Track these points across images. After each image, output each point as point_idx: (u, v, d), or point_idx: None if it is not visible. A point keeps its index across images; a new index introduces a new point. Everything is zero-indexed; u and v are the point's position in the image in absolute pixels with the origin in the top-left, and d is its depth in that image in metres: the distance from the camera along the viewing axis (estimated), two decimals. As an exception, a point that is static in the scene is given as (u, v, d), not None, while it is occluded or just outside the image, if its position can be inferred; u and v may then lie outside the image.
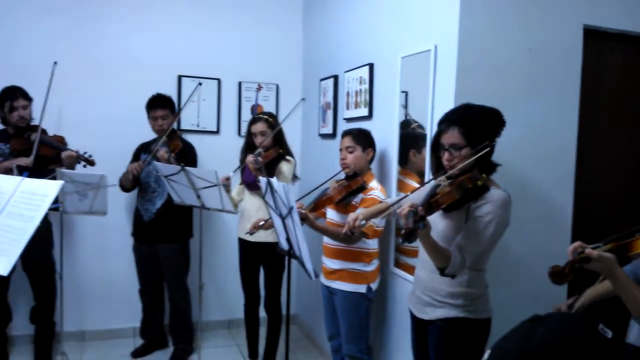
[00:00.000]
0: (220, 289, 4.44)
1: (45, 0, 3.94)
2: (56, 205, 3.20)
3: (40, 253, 3.55)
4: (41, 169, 3.32)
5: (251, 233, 3.02)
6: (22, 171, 3.19)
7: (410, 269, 2.74)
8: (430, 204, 1.95)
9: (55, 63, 3.36)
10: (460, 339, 2.14)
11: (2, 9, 3.86)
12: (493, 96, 2.32)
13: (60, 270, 3.41)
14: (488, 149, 1.95)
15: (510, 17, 2.52)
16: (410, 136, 2.89)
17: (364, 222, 2.29)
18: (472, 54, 2.45)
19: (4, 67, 3.81)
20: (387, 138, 3.04)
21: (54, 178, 2.97)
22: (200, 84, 3.93)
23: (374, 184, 2.85)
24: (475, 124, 2.01)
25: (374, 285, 2.88)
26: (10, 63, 3.84)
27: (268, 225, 2.91)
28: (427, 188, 2.06)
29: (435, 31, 2.61)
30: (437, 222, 2.11)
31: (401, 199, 2.25)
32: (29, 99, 3.52)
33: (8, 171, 3.20)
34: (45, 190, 2.01)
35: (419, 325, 2.29)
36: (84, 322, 4.16)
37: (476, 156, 1.95)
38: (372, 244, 2.87)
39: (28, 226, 1.95)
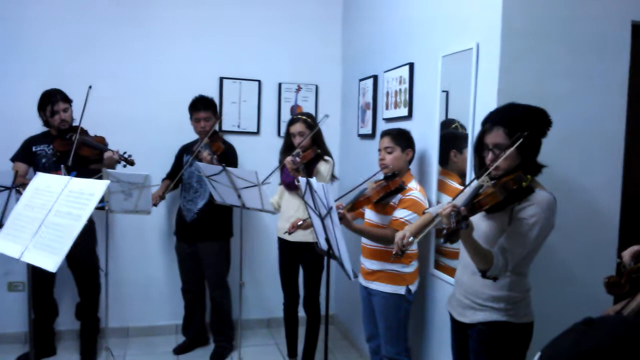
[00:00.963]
0: (260, 288, 4.49)
1: (89, 2, 4.07)
2: (102, 204, 3.30)
3: (84, 250, 3.65)
4: (85, 169, 3.42)
5: (289, 232, 3.04)
6: (70, 171, 3.29)
7: (450, 271, 2.71)
8: (473, 204, 1.91)
9: (90, 87, 3.44)
10: (501, 343, 2.10)
11: (44, 10, 3.99)
12: (537, 95, 2.27)
13: (106, 268, 3.51)
14: (521, 139, 1.90)
15: (555, 13, 2.45)
16: (451, 136, 2.85)
17: (411, 238, 2.25)
18: (516, 51, 2.40)
19: (44, 68, 3.94)
20: (427, 138, 3.01)
21: (100, 178, 3.06)
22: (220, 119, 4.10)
23: (413, 184, 2.82)
24: (520, 123, 1.97)
25: (413, 287, 2.85)
26: (52, 63, 3.97)
27: (307, 225, 2.93)
28: (469, 189, 2.03)
29: (477, 29, 2.57)
30: (480, 223, 2.08)
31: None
32: (68, 101, 3.61)
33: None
34: (92, 189, 2.07)
35: (459, 329, 2.26)
36: (128, 318, 4.27)
37: (513, 147, 1.92)
38: (411, 245, 2.84)
39: (76, 224, 2.02)
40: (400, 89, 3.36)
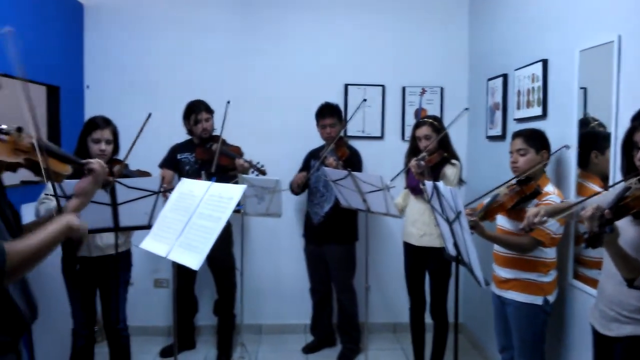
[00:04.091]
0: (386, 292, 4.49)
1: (224, 20, 4.36)
2: (239, 207, 3.50)
3: (223, 251, 3.85)
4: (224, 175, 3.65)
5: None
6: (210, 177, 3.53)
7: (591, 282, 2.52)
8: (620, 207, 1.77)
9: (229, 102, 3.65)
10: (652, 361, 1.91)
11: (187, 28, 4.35)
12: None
13: (241, 267, 3.71)
14: None
15: None
16: (591, 136, 2.65)
17: (545, 218, 2.09)
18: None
19: (190, 81, 4.27)
20: (564, 138, 2.82)
21: (237, 183, 3.25)
22: (365, 100, 4.04)
23: (549, 188, 2.66)
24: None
25: (551, 298, 2.67)
26: (195, 78, 4.30)
27: None
28: (615, 191, 1.87)
29: (618, 20, 2.37)
30: (626, 229, 1.91)
31: (585, 199, 2.02)
32: (211, 111, 3.88)
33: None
34: (230, 193, 2.21)
35: (602, 343, 2.09)
36: (261, 316, 4.48)
37: None
38: (550, 253, 2.67)
39: (216, 226, 2.16)
40: (533, 87, 3.20)
